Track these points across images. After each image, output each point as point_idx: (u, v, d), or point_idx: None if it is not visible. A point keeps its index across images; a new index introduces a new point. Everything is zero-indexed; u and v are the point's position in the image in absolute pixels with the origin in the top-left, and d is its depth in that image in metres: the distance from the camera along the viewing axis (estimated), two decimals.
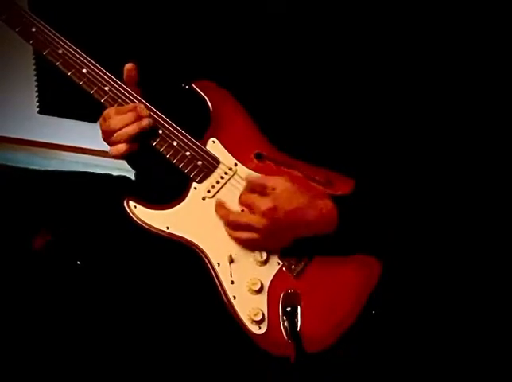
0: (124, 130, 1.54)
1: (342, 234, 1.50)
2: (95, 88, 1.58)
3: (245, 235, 1.51)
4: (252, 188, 1.53)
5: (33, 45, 1.61)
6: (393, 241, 1.54)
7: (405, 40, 1.58)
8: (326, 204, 1.50)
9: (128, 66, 1.59)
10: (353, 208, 1.51)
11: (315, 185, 1.55)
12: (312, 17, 1.60)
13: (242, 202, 1.53)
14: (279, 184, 1.50)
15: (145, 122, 1.55)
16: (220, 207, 1.54)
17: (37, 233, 1.62)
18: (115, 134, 1.55)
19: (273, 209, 1.48)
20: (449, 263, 1.74)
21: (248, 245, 1.52)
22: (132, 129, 1.54)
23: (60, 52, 1.59)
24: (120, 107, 1.57)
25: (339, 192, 1.54)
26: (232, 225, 1.52)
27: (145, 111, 1.56)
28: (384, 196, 1.53)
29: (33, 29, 1.60)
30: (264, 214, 1.48)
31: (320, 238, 1.51)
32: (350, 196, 1.53)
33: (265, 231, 1.48)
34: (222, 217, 1.53)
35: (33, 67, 2.88)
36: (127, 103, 1.58)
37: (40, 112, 2.96)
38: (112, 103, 1.58)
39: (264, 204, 1.48)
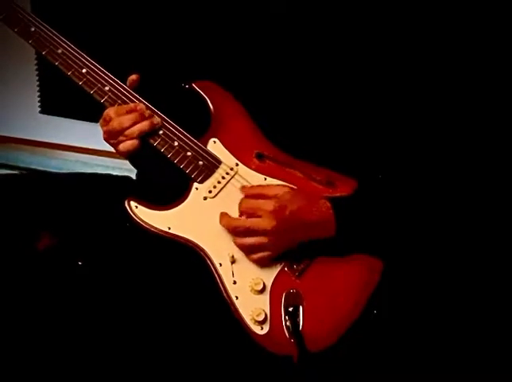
0: (137, 127, 1.55)
1: (340, 234, 1.50)
2: (95, 88, 1.58)
3: (252, 240, 1.50)
4: (251, 196, 1.53)
5: (32, 45, 1.60)
6: (393, 241, 1.54)
7: (405, 41, 1.58)
8: (324, 206, 1.50)
9: (133, 77, 1.59)
10: (350, 209, 1.51)
11: (315, 184, 1.55)
12: (314, 18, 1.60)
13: (244, 209, 1.52)
14: (278, 190, 1.51)
15: (157, 120, 1.56)
16: (223, 216, 1.54)
17: (40, 234, 1.62)
18: (126, 132, 1.55)
19: (280, 209, 1.48)
20: (450, 262, 1.74)
21: (254, 250, 1.51)
22: (145, 125, 1.55)
23: (60, 51, 1.59)
24: (120, 107, 1.57)
25: (338, 194, 1.54)
26: (238, 231, 1.52)
27: (147, 112, 1.56)
28: (383, 197, 1.54)
29: (32, 29, 1.59)
30: (271, 215, 1.48)
31: (321, 239, 1.51)
32: (347, 198, 1.53)
33: (272, 233, 1.48)
34: (226, 225, 1.52)
35: (35, 67, 2.88)
36: (127, 104, 1.57)
37: (41, 112, 2.96)
38: (112, 103, 1.57)
39: (270, 205, 1.48)
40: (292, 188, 1.53)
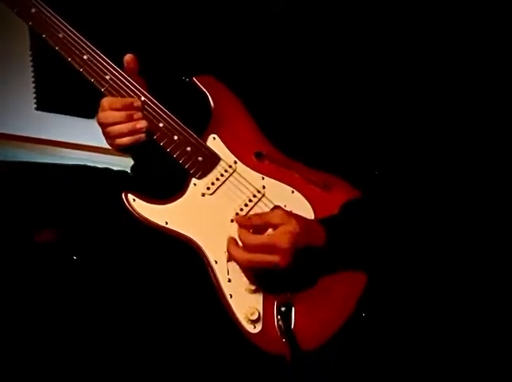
0: (117, 127, 1.54)
1: (330, 254, 1.49)
2: (96, 76, 1.56)
3: (262, 271, 1.46)
4: (257, 227, 1.48)
5: (32, 27, 1.56)
6: (381, 255, 1.54)
7: (405, 41, 1.59)
8: (319, 230, 1.48)
9: (127, 58, 1.57)
10: (340, 229, 1.50)
11: (312, 186, 1.55)
12: (314, 18, 1.60)
13: (259, 246, 1.45)
14: (281, 218, 1.46)
15: (140, 125, 1.54)
16: (234, 247, 1.49)
17: (39, 227, 1.61)
18: (108, 129, 1.54)
19: (295, 245, 1.43)
20: (436, 270, 1.75)
21: (260, 278, 1.49)
22: (125, 127, 1.54)
23: (61, 36, 1.56)
24: (115, 99, 1.55)
25: (326, 214, 1.52)
26: (251, 264, 1.47)
27: (137, 114, 1.54)
28: (373, 214, 1.53)
29: (33, 10, 1.56)
30: (287, 252, 1.43)
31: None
32: (337, 217, 1.52)
33: (285, 266, 1.44)
34: (238, 258, 1.47)
35: (30, 63, 2.87)
36: (128, 94, 1.56)
37: (37, 109, 2.94)
38: (113, 92, 1.56)
39: (285, 242, 1.43)
40: (289, 213, 1.48)
